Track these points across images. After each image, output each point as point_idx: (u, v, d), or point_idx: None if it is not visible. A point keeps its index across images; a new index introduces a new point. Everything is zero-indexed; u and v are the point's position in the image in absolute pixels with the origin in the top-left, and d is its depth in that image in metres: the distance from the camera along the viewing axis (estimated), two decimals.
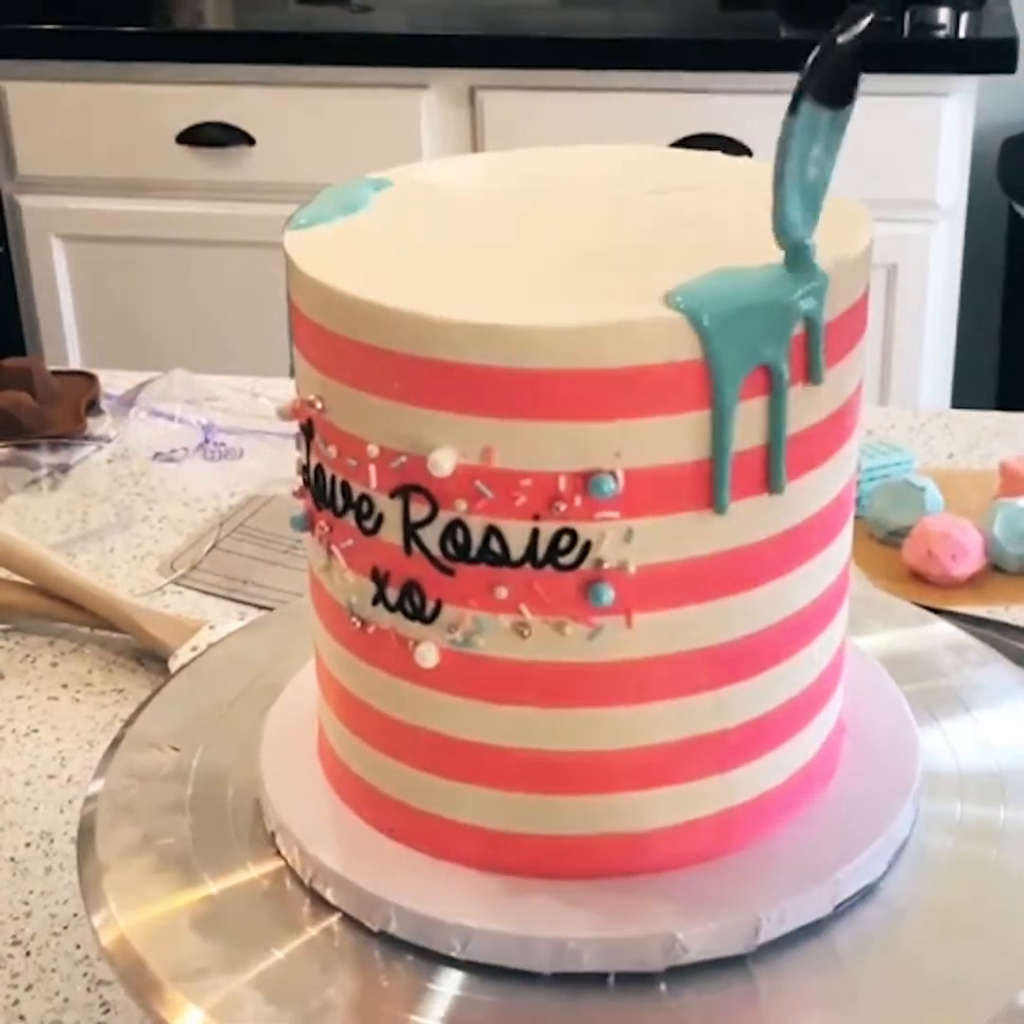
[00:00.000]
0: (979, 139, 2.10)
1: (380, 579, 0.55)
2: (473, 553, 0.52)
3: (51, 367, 1.27)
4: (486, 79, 2.10)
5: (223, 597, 1.00)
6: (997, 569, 0.98)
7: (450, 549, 0.53)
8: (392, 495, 0.53)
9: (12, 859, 0.78)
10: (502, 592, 0.53)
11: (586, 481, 0.51)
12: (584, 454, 0.51)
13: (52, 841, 0.79)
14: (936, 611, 0.77)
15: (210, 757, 0.66)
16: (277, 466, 1.13)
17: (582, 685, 0.54)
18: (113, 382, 1.29)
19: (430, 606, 0.54)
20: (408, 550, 0.54)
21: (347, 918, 0.58)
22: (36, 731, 0.88)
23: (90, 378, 1.28)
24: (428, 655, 0.54)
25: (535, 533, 0.52)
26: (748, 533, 0.54)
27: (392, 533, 0.54)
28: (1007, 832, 0.60)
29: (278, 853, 0.60)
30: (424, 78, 2.11)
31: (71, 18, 2.21)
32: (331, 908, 0.58)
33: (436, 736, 0.56)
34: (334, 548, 0.56)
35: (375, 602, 0.55)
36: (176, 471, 1.16)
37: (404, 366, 0.52)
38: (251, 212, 2.17)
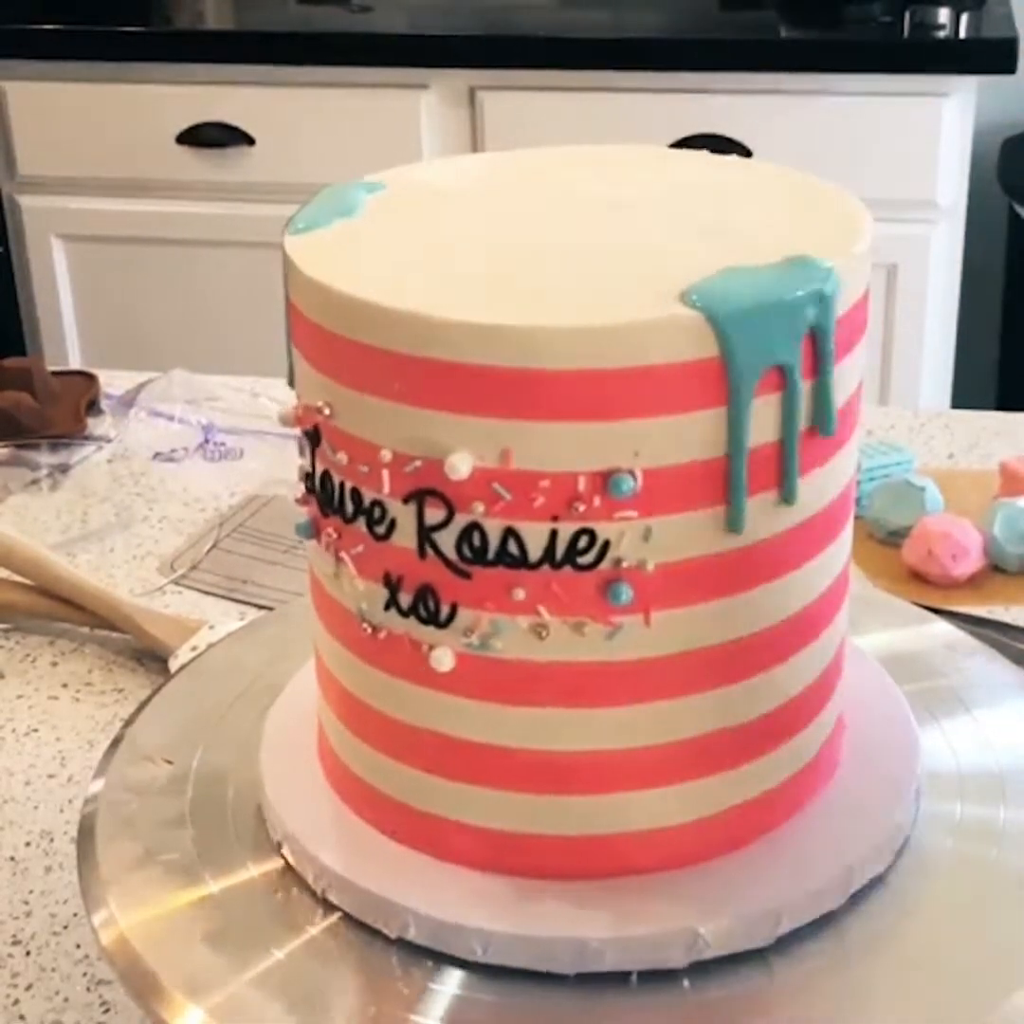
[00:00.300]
0: (979, 139, 2.09)
1: (393, 584, 0.55)
2: (490, 555, 0.52)
3: (51, 367, 1.27)
4: (486, 79, 2.10)
5: (223, 597, 1.00)
6: (997, 569, 0.98)
7: (466, 552, 0.53)
8: (406, 500, 0.53)
9: (12, 859, 0.78)
10: (520, 594, 0.52)
11: (605, 481, 0.51)
12: (603, 454, 0.51)
13: (52, 841, 0.79)
14: (936, 611, 0.77)
15: (210, 758, 0.66)
16: (277, 466, 1.13)
17: (600, 685, 0.54)
18: (113, 382, 1.29)
19: (445, 610, 0.54)
20: (422, 554, 0.53)
21: (347, 918, 0.58)
22: (36, 731, 0.88)
23: (90, 378, 1.28)
24: (443, 659, 0.54)
25: (553, 534, 0.52)
26: (760, 529, 0.54)
27: (405, 538, 0.53)
28: (1007, 832, 0.60)
29: (279, 853, 0.60)
30: (424, 78, 2.11)
31: (71, 18, 2.21)
32: (332, 908, 0.58)
33: (447, 740, 0.56)
34: (343, 555, 0.56)
35: (387, 607, 0.55)
36: (176, 471, 1.16)
37: (419, 369, 0.51)
38: (251, 212, 2.18)
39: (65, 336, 2.31)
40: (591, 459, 0.51)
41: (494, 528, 0.52)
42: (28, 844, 0.79)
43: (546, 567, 0.52)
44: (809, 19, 2.11)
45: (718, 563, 0.53)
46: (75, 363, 2.23)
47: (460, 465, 0.51)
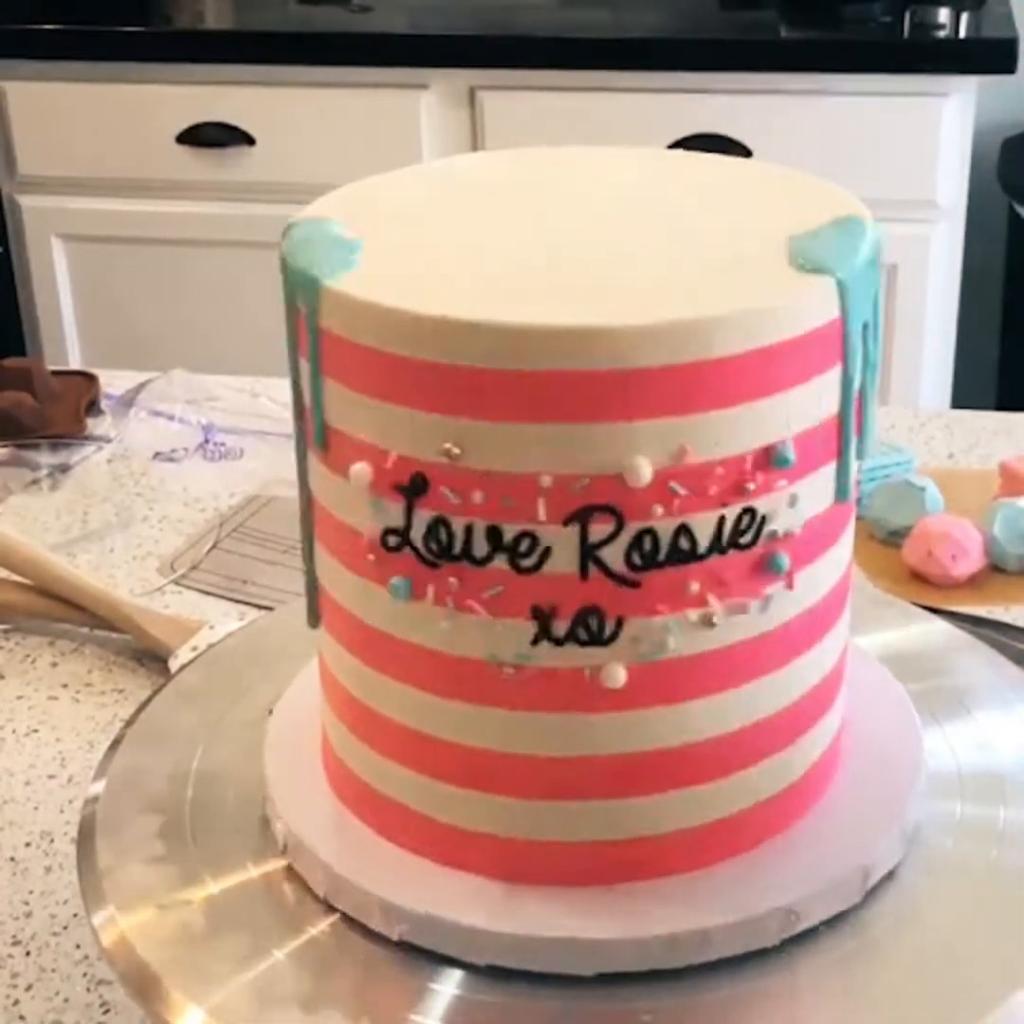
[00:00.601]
0: (979, 139, 2.09)
1: (544, 616, 0.53)
2: (661, 557, 0.52)
3: (51, 367, 1.27)
4: (486, 79, 2.10)
5: (223, 597, 1.00)
6: (997, 569, 0.98)
7: (636, 560, 0.52)
8: (567, 522, 0.51)
9: (12, 859, 0.78)
10: (693, 587, 0.53)
11: (768, 456, 0.52)
12: (765, 430, 0.52)
13: (52, 841, 0.79)
14: (936, 611, 0.77)
15: (210, 757, 0.66)
16: (277, 466, 1.13)
17: (756, 658, 0.55)
18: (113, 382, 1.29)
19: (610, 626, 0.53)
20: (585, 574, 0.52)
21: (347, 918, 0.58)
22: (36, 731, 0.88)
23: (90, 378, 1.28)
24: (616, 676, 0.53)
25: (721, 520, 0.52)
26: (850, 476, 0.56)
27: (563, 563, 0.52)
28: (1007, 832, 0.60)
29: (279, 853, 0.60)
30: (424, 78, 2.11)
31: (71, 18, 2.21)
32: (332, 908, 0.58)
33: (611, 758, 0.55)
34: (470, 602, 0.53)
35: (536, 642, 0.53)
36: (176, 471, 1.16)
37: (588, 384, 0.50)
38: (251, 212, 2.18)
39: (65, 336, 2.31)
40: (755, 438, 0.52)
41: (666, 528, 0.52)
42: (28, 844, 0.79)
43: (714, 555, 0.52)
44: (809, 19, 2.11)
45: (830, 516, 0.56)
46: (75, 363, 2.23)
47: (643, 471, 0.50)
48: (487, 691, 0.55)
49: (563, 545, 0.52)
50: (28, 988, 0.70)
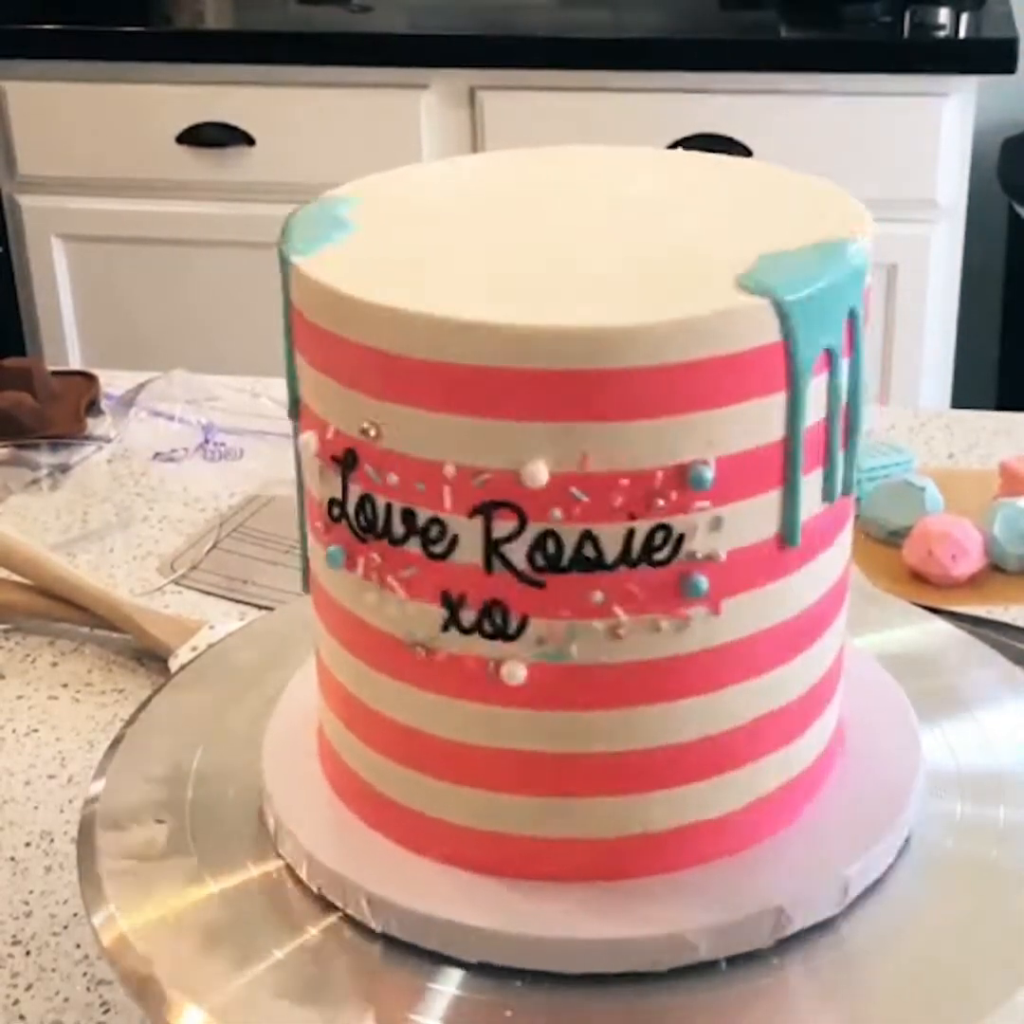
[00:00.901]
0: (979, 139, 2.10)
1: (453, 603, 0.53)
2: (565, 562, 0.52)
3: (51, 367, 1.27)
4: (486, 79, 2.10)
5: (223, 597, 1.00)
6: (997, 569, 0.98)
7: (539, 561, 0.52)
8: (471, 514, 0.52)
9: (12, 859, 0.78)
10: (597, 597, 0.52)
11: (683, 474, 0.51)
12: (679, 447, 0.51)
13: (52, 841, 0.79)
14: (936, 611, 0.77)
15: (210, 757, 0.66)
16: (277, 466, 1.13)
17: (671, 679, 0.54)
18: (113, 382, 1.29)
19: (515, 622, 0.53)
20: (489, 568, 0.52)
21: (347, 918, 0.58)
22: (36, 731, 0.88)
23: (90, 378, 1.28)
24: (516, 673, 0.53)
25: (630, 533, 0.51)
26: (810, 507, 0.55)
27: (469, 553, 0.52)
28: (1007, 832, 0.60)
29: (279, 853, 0.60)
30: (424, 78, 2.11)
31: (71, 18, 2.21)
32: (332, 908, 0.58)
33: (515, 754, 0.55)
34: (389, 579, 0.54)
35: (446, 628, 0.54)
36: (176, 471, 1.16)
37: (487, 380, 0.50)
38: (251, 212, 2.18)
39: (65, 336, 2.32)
40: (667, 454, 0.51)
41: (570, 534, 0.51)
42: (28, 844, 0.79)
43: (622, 567, 0.52)
44: (809, 19, 2.11)
45: (775, 546, 0.54)
46: (75, 363, 2.23)
47: (538, 474, 0.50)
48: (404, 669, 0.56)
49: (469, 536, 0.52)
50: (28, 988, 0.70)
